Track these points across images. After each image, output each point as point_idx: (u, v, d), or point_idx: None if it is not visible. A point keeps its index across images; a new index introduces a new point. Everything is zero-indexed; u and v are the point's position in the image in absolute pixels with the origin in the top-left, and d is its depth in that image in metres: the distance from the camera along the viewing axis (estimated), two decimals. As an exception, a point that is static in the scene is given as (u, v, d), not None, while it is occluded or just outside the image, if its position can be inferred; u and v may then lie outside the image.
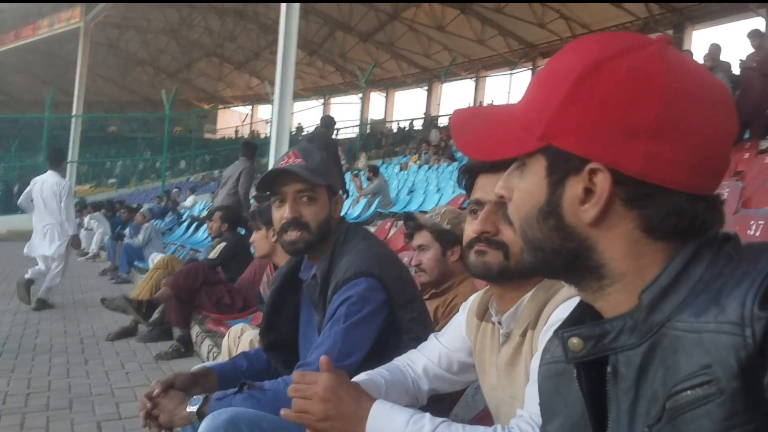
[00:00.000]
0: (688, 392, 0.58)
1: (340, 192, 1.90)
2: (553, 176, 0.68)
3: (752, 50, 8.43)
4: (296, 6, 9.72)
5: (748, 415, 0.55)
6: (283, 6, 9.65)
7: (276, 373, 1.96)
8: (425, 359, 1.55)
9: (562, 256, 0.70)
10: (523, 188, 0.71)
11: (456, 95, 29.26)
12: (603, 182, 0.65)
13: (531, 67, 27.21)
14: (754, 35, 8.52)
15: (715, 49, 8.67)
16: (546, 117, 0.67)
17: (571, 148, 0.66)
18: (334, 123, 8.93)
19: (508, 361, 1.32)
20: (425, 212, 9.42)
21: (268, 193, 1.86)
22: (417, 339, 1.69)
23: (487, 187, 1.30)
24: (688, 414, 0.58)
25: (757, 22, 17.47)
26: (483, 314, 1.44)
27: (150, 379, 4.14)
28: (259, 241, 3.77)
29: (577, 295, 0.97)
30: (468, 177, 1.37)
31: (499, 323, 1.36)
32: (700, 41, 20.27)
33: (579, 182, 0.67)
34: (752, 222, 3.34)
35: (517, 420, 1.16)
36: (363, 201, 11.03)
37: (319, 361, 1.60)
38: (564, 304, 1.18)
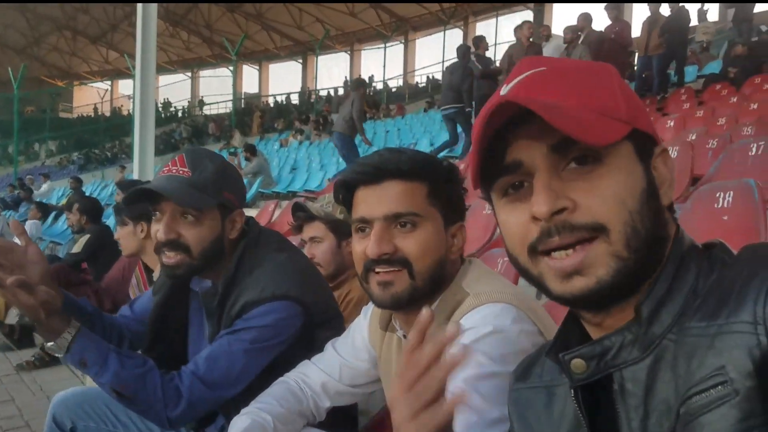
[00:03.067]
0: (703, 395, 0.57)
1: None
2: (643, 159, 0.68)
3: (609, 22, 8.85)
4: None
5: (764, 416, 0.54)
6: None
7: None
8: (324, 376, 1.39)
9: (652, 251, 0.65)
10: (622, 180, 0.65)
11: (332, 68, 29.00)
12: (669, 162, 0.69)
13: (403, 41, 27.50)
14: (611, 8, 8.94)
15: (584, 22, 8.95)
16: (622, 102, 0.68)
17: (649, 130, 0.69)
18: (365, 83, 8.93)
19: None
20: (310, 191, 9.22)
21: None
22: None
23: (370, 202, 1.13)
24: (703, 417, 0.57)
25: (526, 15, 19.18)
26: (387, 324, 1.30)
27: (11, 394, 3.71)
28: (126, 237, 3.36)
29: (483, 304, 1.05)
30: (345, 191, 1.19)
31: (405, 336, 1.23)
32: (480, 31, 22.21)
33: (655, 164, 0.69)
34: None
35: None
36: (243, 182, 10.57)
37: (201, 366, 1.42)
38: (469, 314, 1.06)
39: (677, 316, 0.63)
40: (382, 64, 26.31)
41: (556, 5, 21.97)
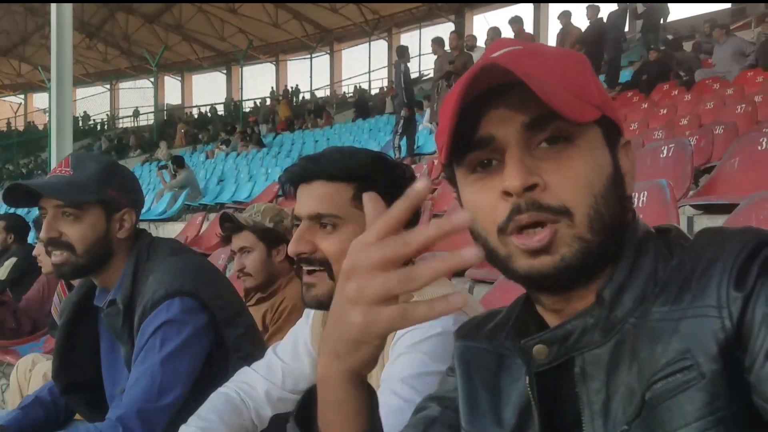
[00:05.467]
0: (669, 379, 0.58)
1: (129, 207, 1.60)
2: (611, 147, 0.68)
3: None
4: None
5: (728, 398, 0.56)
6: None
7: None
8: (267, 383, 1.37)
9: (614, 236, 0.66)
10: (591, 161, 0.66)
11: (257, 78, 28.63)
12: (631, 154, 0.70)
13: (329, 52, 27.51)
14: (515, 21, 9.34)
15: (494, 34, 9.22)
16: (593, 89, 0.68)
17: (617, 119, 0.69)
18: (406, 51, 9.07)
19: None
20: (238, 202, 9.05)
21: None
22: (247, 357, 1.52)
23: (301, 200, 1.15)
24: (669, 401, 0.58)
25: (449, 27, 19.68)
26: None
27: None
28: (45, 253, 3.22)
29: None
30: (293, 187, 1.19)
31: None
32: (404, 42, 21.91)
33: (619, 154, 0.69)
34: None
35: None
36: (168, 195, 10.27)
37: (134, 403, 1.37)
38: None
39: (638, 300, 0.63)
40: (308, 75, 26.25)
41: (476, 17, 22.57)
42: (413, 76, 9.59)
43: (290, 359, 1.38)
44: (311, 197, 1.13)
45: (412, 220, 0.62)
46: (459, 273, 2.95)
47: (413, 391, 0.99)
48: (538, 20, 20.00)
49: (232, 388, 1.37)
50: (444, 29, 19.65)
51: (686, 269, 0.62)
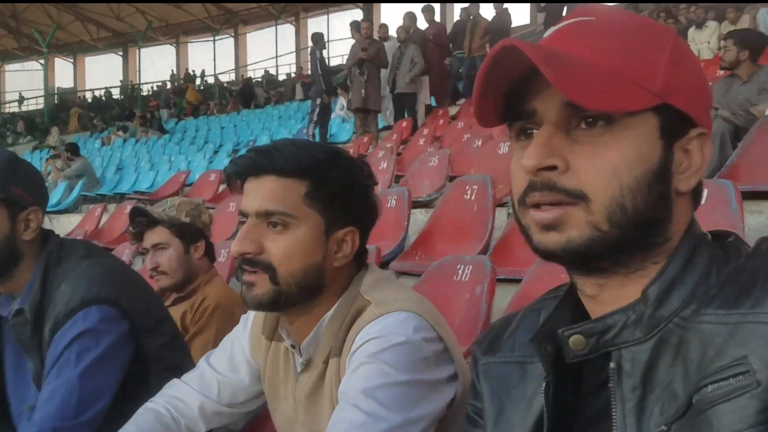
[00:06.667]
0: (721, 383, 0.57)
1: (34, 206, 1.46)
2: (666, 138, 0.64)
3: (426, 24, 9.33)
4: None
5: None
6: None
7: None
8: (200, 396, 1.26)
9: (644, 231, 0.64)
10: (628, 152, 0.63)
11: (156, 60, 27.39)
12: (706, 148, 0.66)
13: (233, 35, 26.74)
14: (426, 10, 9.41)
15: (409, 21, 9.29)
16: (660, 73, 0.64)
17: (687, 109, 0.65)
18: (321, 38, 8.80)
19: (309, 392, 1.13)
20: (141, 192, 8.64)
21: None
22: (172, 368, 1.42)
23: (249, 195, 1.07)
24: (720, 406, 0.56)
25: (356, 14, 20.12)
26: (272, 333, 1.21)
27: None
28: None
29: (385, 313, 1.03)
30: (240, 181, 1.11)
31: (293, 347, 1.16)
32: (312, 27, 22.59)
33: (685, 146, 0.66)
34: (467, 187, 3.58)
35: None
36: (62, 185, 9.61)
37: (48, 420, 1.25)
38: (372, 323, 1.04)
39: (686, 301, 0.62)
40: (212, 58, 25.41)
41: (383, 5, 22.62)
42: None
43: (226, 370, 1.28)
44: (260, 193, 1.06)
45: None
46: (383, 265, 2.93)
47: (377, 404, 0.94)
48: (445, 10, 20.31)
49: (161, 403, 1.26)
50: (352, 15, 19.60)
51: (747, 275, 0.61)
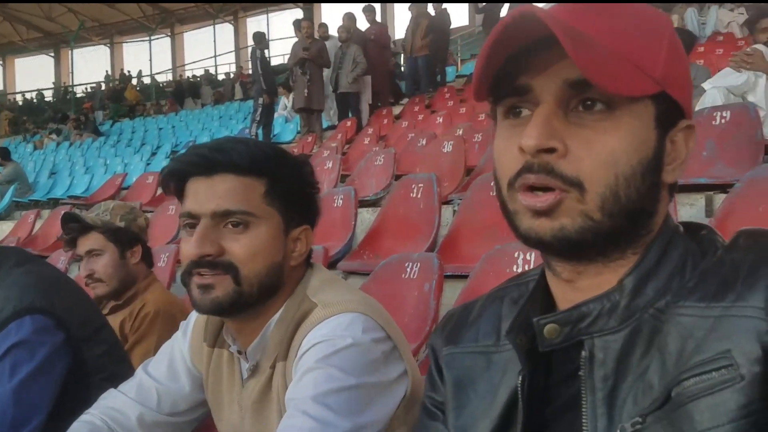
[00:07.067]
0: (703, 377, 0.56)
1: None
2: (660, 128, 0.64)
3: (368, 24, 9.33)
4: None
5: (765, 402, 0.54)
6: None
7: None
8: (139, 406, 1.20)
9: (633, 221, 0.63)
10: (627, 139, 0.61)
11: (89, 61, 26.47)
12: (691, 140, 0.66)
13: (170, 34, 26.11)
14: (368, 10, 9.41)
15: (349, 21, 9.25)
16: (661, 60, 0.63)
17: (680, 99, 0.65)
18: (263, 37, 8.71)
19: (257, 398, 1.10)
20: (76, 197, 8.32)
21: None
22: (112, 378, 1.35)
23: (200, 196, 1.03)
24: (702, 400, 0.56)
25: (296, 13, 20.12)
26: (215, 340, 1.17)
27: None
28: None
29: (332, 315, 1.01)
30: (177, 180, 1.06)
31: (239, 353, 1.12)
32: (252, 27, 22.64)
33: (673, 137, 0.65)
34: (413, 185, 3.59)
35: None
36: (-9, 191, 9.17)
37: None
38: (319, 326, 1.01)
39: (660, 292, 0.62)
40: (148, 58, 24.71)
41: (324, 5, 22.54)
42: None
43: (166, 378, 1.23)
44: (216, 192, 1.01)
45: None
46: (330, 265, 2.89)
47: (327, 410, 0.91)
48: (385, 10, 20.37)
49: (97, 415, 1.19)
50: (292, 15, 19.42)
51: (727, 268, 0.60)
